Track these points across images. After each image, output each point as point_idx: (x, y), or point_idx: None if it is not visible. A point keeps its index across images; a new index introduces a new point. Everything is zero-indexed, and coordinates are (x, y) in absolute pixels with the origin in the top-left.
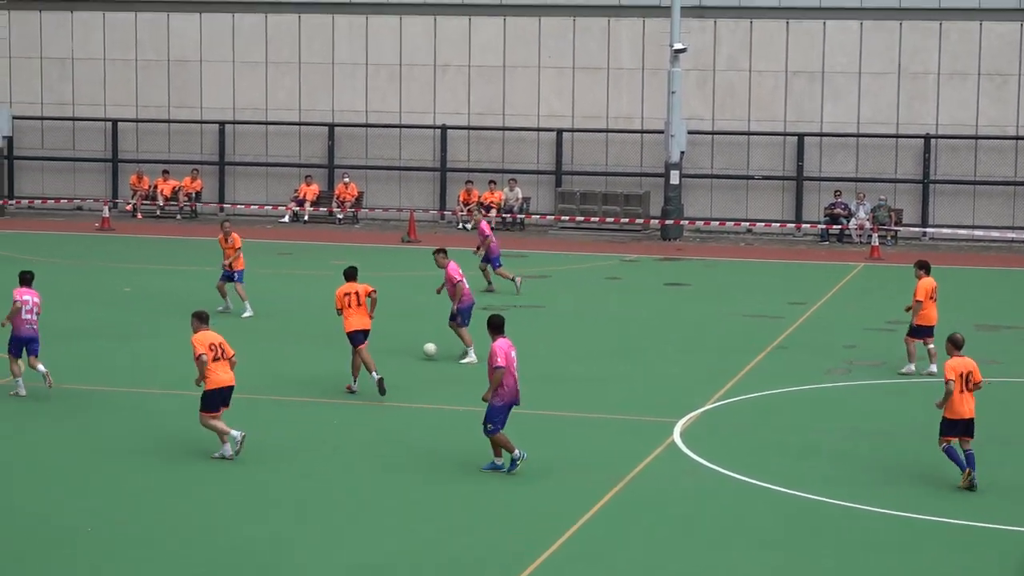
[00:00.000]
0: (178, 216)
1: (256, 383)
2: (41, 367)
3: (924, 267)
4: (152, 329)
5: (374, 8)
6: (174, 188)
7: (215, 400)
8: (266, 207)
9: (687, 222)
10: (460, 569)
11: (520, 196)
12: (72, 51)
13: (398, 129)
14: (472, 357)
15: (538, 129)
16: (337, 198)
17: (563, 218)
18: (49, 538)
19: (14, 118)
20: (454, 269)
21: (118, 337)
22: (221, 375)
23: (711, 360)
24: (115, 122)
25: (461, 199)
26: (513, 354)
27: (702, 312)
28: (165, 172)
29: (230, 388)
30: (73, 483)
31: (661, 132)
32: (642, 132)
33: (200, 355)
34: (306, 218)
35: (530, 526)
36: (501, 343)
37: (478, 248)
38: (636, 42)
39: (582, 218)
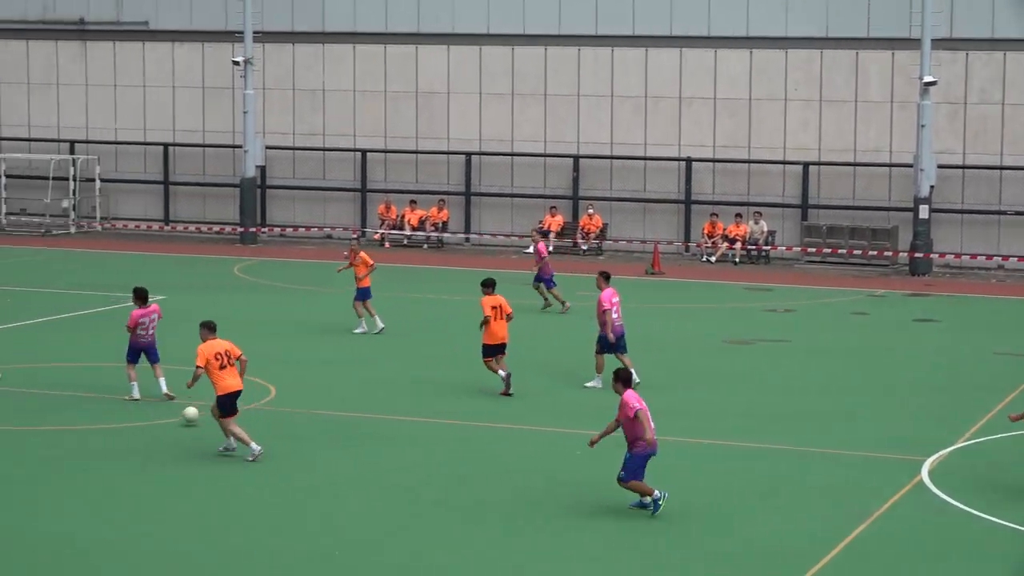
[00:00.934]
0: (424, 246)
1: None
2: (163, 383)
3: None
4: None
5: (620, 40)
6: (421, 218)
7: (229, 404)
8: (512, 237)
9: (936, 256)
10: None
11: (765, 229)
12: (323, 83)
13: (643, 161)
14: (596, 383)
15: (784, 162)
16: (581, 229)
17: (809, 251)
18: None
19: (267, 148)
20: (606, 297)
21: (353, 362)
22: (229, 380)
23: (961, 397)
24: (364, 152)
25: (705, 232)
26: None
27: (952, 348)
28: (412, 202)
29: (238, 392)
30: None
31: (910, 166)
32: (890, 166)
33: (199, 367)
34: (551, 249)
35: (774, 562)
36: (631, 394)
37: (536, 267)
38: (885, 74)
39: (828, 251)
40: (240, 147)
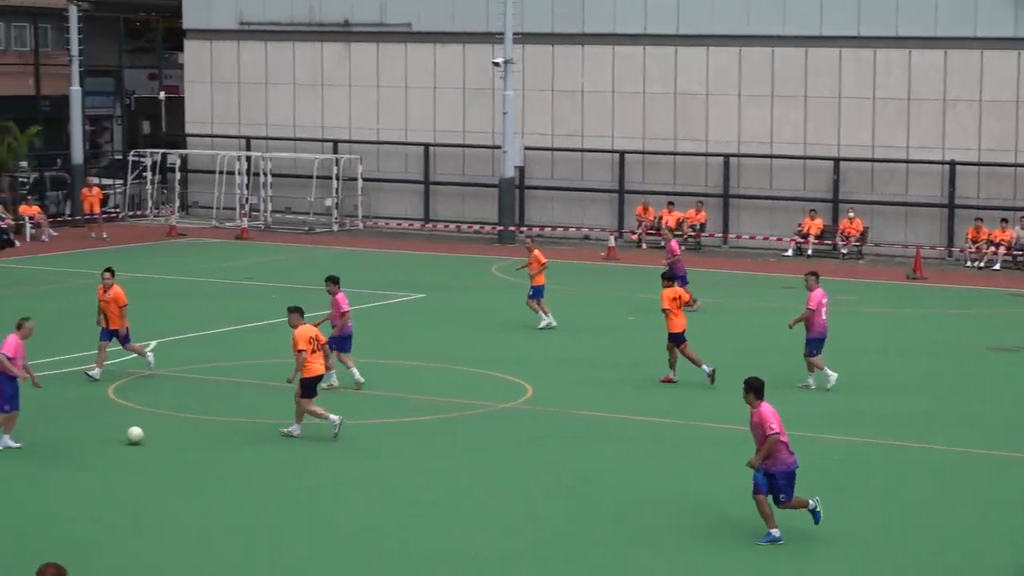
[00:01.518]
0: (682, 248)
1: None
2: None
3: None
4: (649, 359)
5: (882, 42)
6: (679, 219)
7: (312, 386)
8: (770, 239)
9: None
10: None
11: None
12: (582, 84)
13: (905, 164)
14: (810, 382)
15: None
16: (841, 233)
17: None
18: None
19: (526, 148)
20: (815, 297)
21: (614, 366)
22: (316, 364)
23: None
24: (622, 153)
25: (970, 236)
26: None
27: None
28: (670, 203)
29: (321, 376)
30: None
31: None
32: None
33: (301, 351)
34: (809, 252)
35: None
36: (768, 407)
37: (667, 263)
38: None
39: None
40: (499, 148)
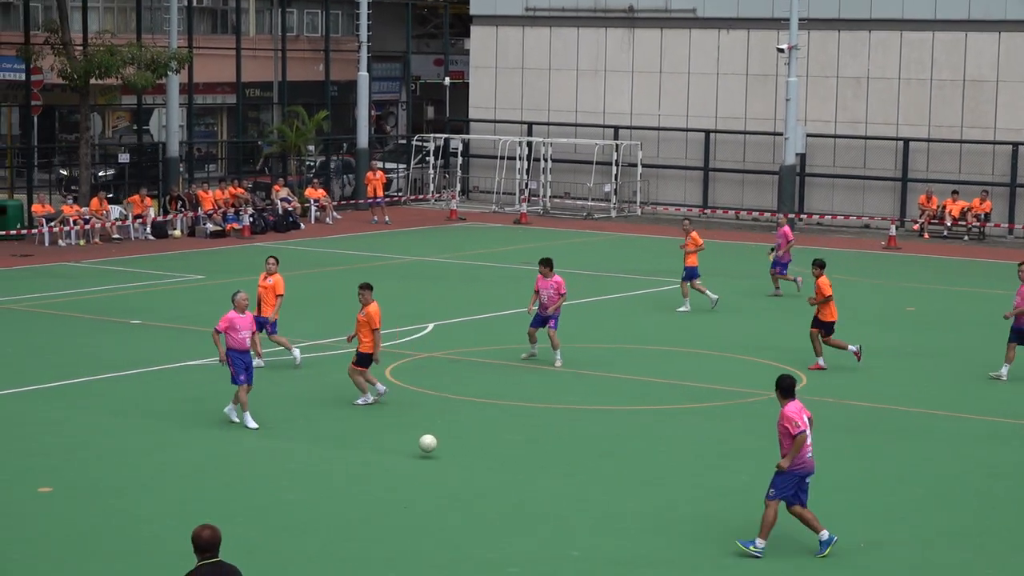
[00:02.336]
0: (965, 238)
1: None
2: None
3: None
4: (928, 348)
5: None
6: (963, 209)
7: (367, 360)
8: None
9: None
10: None
11: None
12: (867, 70)
13: None
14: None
15: None
16: None
17: None
18: None
19: (808, 136)
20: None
21: (899, 355)
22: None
23: None
24: (907, 141)
25: None
26: (806, 418)
27: None
28: (955, 192)
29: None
30: None
31: None
32: None
33: (377, 328)
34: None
35: None
36: (794, 407)
37: (776, 251)
38: None
39: None
40: (781, 134)
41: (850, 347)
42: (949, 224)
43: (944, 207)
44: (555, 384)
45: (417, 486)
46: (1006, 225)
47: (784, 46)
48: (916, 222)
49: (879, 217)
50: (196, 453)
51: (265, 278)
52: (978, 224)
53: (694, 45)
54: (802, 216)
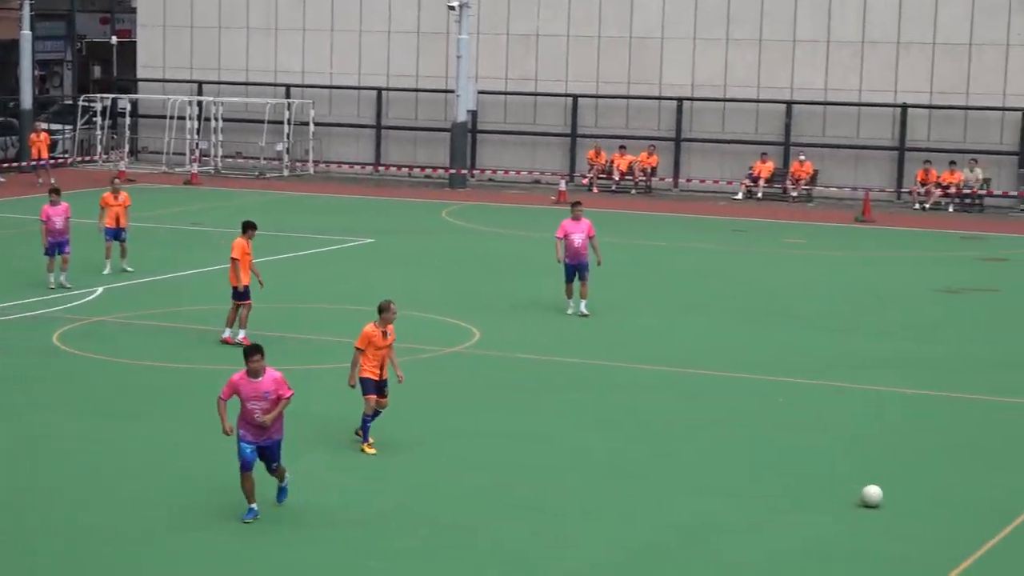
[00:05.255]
0: (633, 191)
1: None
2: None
3: None
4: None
5: None
6: (630, 163)
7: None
8: (720, 183)
9: None
10: (912, 551)
11: (981, 176)
12: (537, 28)
13: (856, 107)
14: None
15: (1003, 109)
16: (792, 176)
17: None
18: None
19: (479, 92)
20: None
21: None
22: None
23: None
24: (575, 97)
25: (919, 179)
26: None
27: None
28: (622, 147)
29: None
30: None
31: None
32: None
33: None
34: (760, 195)
35: (979, 515)
36: (275, 372)
37: None
38: None
39: None
40: (452, 92)
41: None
42: (617, 178)
43: (612, 162)
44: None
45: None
46: (671, 179)
47: (455, 3)
48: (585, 177)
49: (549, 172)
50: None
51: (115, 197)
52: (645, 178)
53: (365, 3)
54: (475, 172)
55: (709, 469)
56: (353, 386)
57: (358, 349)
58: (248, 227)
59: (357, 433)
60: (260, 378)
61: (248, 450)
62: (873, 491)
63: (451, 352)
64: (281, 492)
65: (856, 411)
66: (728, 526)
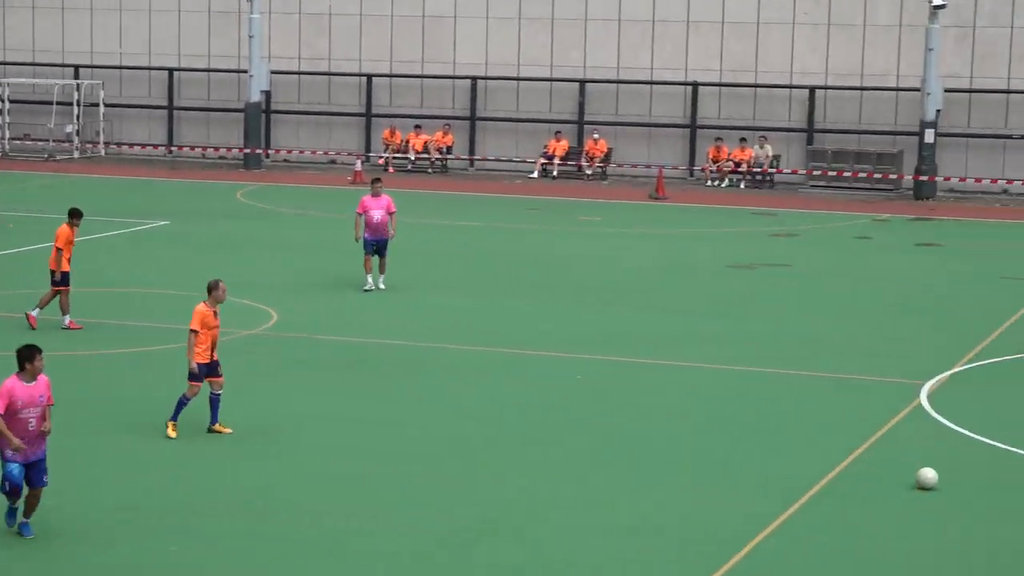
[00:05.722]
0: (429, 171)
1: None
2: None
3: None
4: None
5: None
6: (425, 143)
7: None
8: (516, 161)
9: (941, 180)
10: (697, 529)
11: (771, 154)
12: (329, 7)
13: (649, 86)
14: None
15: (790, 86)
16: (586, 154)
17: (814, 175)
18: None
19: (272, 73)
20: None
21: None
22: None
23: (963, 321)
24: (370, 77)
25: (710, 156)
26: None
27: (955, 272)
28: (417, 127)
29: None
30: None
31: (917, 90)
32: (897, 90)
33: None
34: (555, 173)
35: (769, 488)
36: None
37: None
38: None
39: (833, 176)
40: (245, 72)
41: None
42: (413, 158)
43: (408, 141)
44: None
45: None
46: (467, 158)
47: None
48: (381, 157)
49: (345, 152)
50: None
51: None
52: (441, 157)
53: None
54: (269, 153)
55: (524, 450)
56: (194, 371)
57: (193, 331)
58: (74, 214)
59: (211, 430)
60: (35, 381)
61: (17, 471)
62: (929, 475)
63: (249, 335)
64: (27, 527)
65: (654, 386)
66: (534, 508)
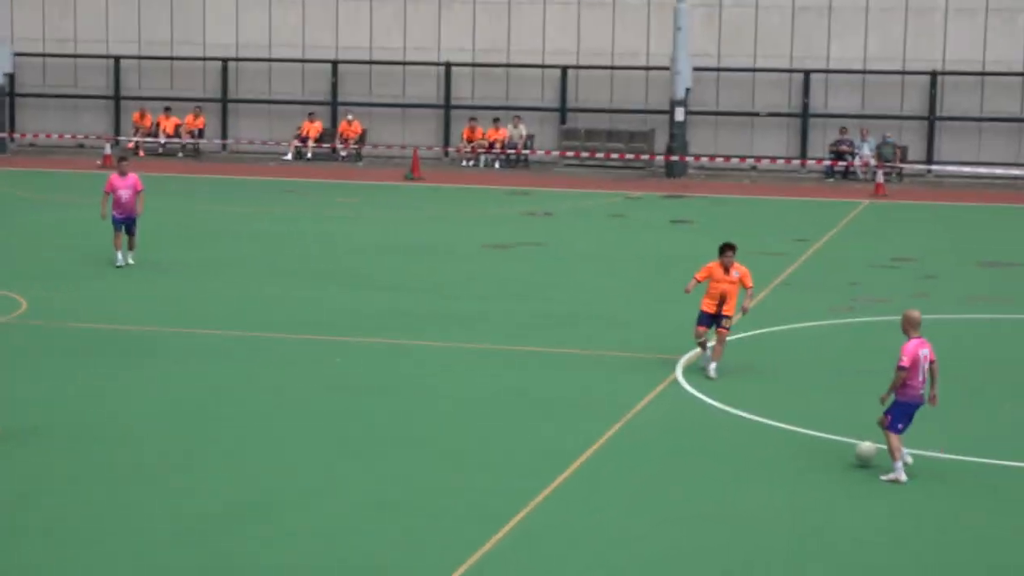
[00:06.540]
0: (180, 154)
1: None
2: None
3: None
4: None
5: None
6: (176, 125)
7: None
8: (269, 144)
9: (692, 159)
10: (464, 503)
11: (524, 133)
12: None
13: (402, 66)
14: None
15: (543, 66)
16: (340, 135)
17: (567, 155)
18: None
19: (15, 55)
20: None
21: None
22: None
23: None
24: (117, 59)
25: (465, 137)
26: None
27: (706, 249)
28: (167, 109)
29: None
30: None
31: (667, 69)
32: (647, 69)
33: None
34: (309, 155)
35: (532, 464)
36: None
37: None
38: None
39: (586, 155)
40: None
41: None
42: (163, 141)
43: (158, 124)
44: None
45: None
46: (219, 141)
47: None
48: (131, 140)
49: (94, 136)
50: None
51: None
52: (192, 140)
53: None
54: (15, 137)
55: (275, 434)
56: None
57: None
58: None
59: None
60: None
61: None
62: (867, 448)
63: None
64: None
65: (410, 367)
66: (289, 495)
